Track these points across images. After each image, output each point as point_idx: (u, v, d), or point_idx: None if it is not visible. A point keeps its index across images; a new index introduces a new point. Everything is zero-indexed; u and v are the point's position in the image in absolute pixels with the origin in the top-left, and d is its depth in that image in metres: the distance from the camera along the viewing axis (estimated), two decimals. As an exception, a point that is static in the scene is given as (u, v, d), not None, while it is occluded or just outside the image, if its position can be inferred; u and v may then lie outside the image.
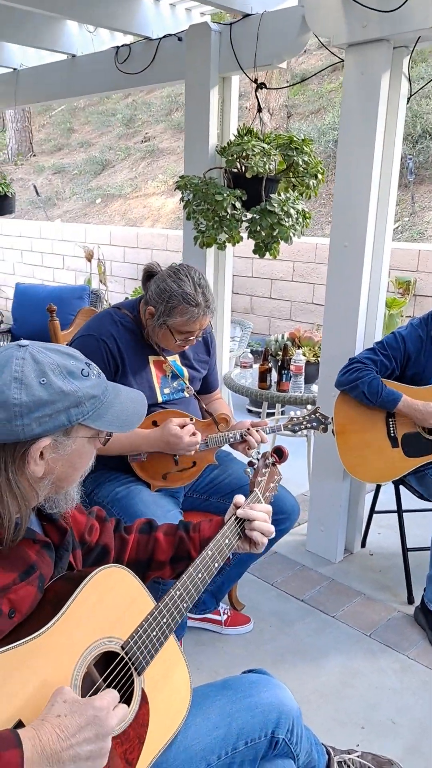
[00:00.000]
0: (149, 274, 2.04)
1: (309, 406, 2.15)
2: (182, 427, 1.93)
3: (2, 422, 0.97)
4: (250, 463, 1.42)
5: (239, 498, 1.32)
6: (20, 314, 4.95)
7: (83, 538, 1.28)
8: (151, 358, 2.08)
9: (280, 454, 1.46)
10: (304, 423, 2.11)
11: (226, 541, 1.26)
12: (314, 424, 2.12)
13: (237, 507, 1.32)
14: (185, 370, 2.16)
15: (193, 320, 1.93)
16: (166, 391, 2.10)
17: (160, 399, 2.07)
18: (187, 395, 2.15)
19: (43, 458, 1.02)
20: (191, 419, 2.01)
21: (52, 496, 1.10)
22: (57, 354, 1.04)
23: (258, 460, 1.42)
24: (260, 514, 1.29)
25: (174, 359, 2.14)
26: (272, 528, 1.31)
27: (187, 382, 2.15)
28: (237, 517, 1.29)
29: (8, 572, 1.01)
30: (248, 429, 2.08)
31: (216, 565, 1.23)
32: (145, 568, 1.35)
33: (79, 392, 1.02)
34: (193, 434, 1.95)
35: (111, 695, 0.93)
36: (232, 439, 2.08)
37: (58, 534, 1.17)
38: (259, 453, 1.45)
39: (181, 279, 1.92)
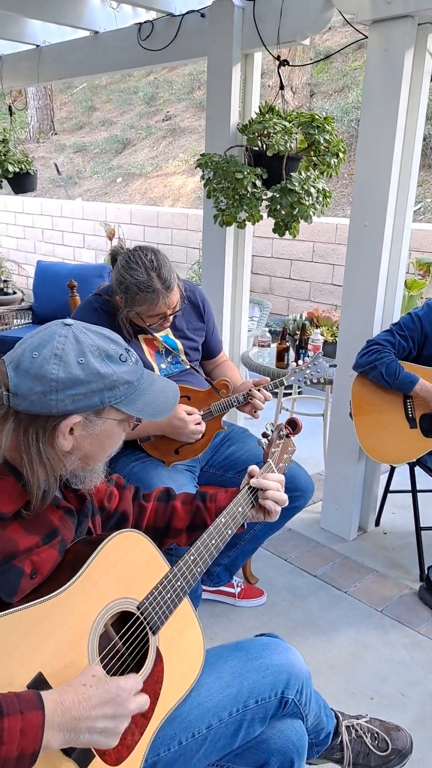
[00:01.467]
0: (114, 260, 2.01)
1: (311, 353, 2.10)
2: (189, 414, 1.96)
3: (38, 394, 1.01)
4: (264, 435, 1.45)
5: (253, 468, 1.36)
6: (41, 292, 5.00)
7: (102, 505, 1.33)
8: (141, 337, 2.08)
9: (293, 425, 1.47)
10: (308, 370, 2.08)
11: (239, 509, 1.30)
12: (319, 370, 2.08)
13: (251, 476, 1.35)
14: (179, 342, 2.15)
15: (155, 305, 1.91)
16: (163, 366, 2.10)
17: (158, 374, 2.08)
18: (186, 367, 2.15)
19: (72, 434, 1.06)
20: (200, 411, 2.01)
21: (79, 472, 1.14)
22: (99, 336, 1.08)
23: (272, 432, 1.45)
24: (273, 483, 1.33)
25: (165, 333, 2.12)
26: (285, 497, 1.34)
27: (182, 355, 2.14)
28: (250, 486, 1.33)
29: (32, 535, 1.06)
30: (251, 390, 2.07)
31: (229, 532, 1.27)
32: (163, 535, 1.39)
33: (114, 376, 1.05)
34: (198, 424, 1.97)
35: (135, 680, 0.98)
36: (235, 403, 2.08)
37: (78, 500, 1.21)
38: (273, 425, 1.47)
39: (132, 268, 1.88)
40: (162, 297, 1.90)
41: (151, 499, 1.41)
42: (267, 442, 1.44)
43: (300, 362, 2.10)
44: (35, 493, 1.04)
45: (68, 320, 1.09)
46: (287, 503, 1.35)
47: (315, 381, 2.15)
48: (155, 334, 2.09)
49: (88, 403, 1.04)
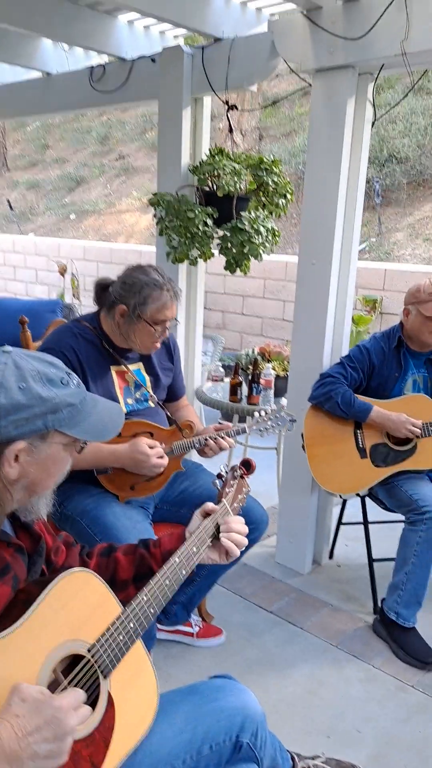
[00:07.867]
0: (104, 286, 2.09)
1: (274, 405, 2.17)
2: (151, 448, 1.95)
3: None
4: (219, 476, 1.45)
5: (210, 505, 1.35)
6: (-9, 328, 4.92)
7: (49, 558, 1.29)
8: (113, 369, 2.09)
9: (248, 466, 1.49)
10: (270, 422, 2.14)
11: (194, 548, 1.28)
12: (279, 423, 2.15)
13: (207, 513, 1.34)
14: (148, 379, 2.17)
15: (166, 307, 2.00)
16: (129, 401, 2.11)
17: (123, 410, 2.07)
18: (152, 405, 2.16)
19: (17, 461, 1.04)
20: (161, 444, 2.01)
21: (26, 501, 1.11)
22: (38, 361, 1.08)
23: (227, 472, 1.45)
24: (239, 526, 1.33)
25: (138, 368, 2.15)
26: (245, 540, 1.35)
27: (150, 390, 2.16)
28: (214, 525, 1.32)
29: None
30: (216, 439, 2.09)
31: (183, 572, 1.25)
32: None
33: (57, 399, 1.05)
34: (161, 457, 1.97)
35: (74, 695, 0.94)
36: (197, 445, 2.10)
37: (31, 541, 1.18)
38: (227, 466, 1.48)
39: (146, 270, 2.03)
40: (171, 298, 2.01)
41: (94, 555, 1.36)
42: (222, 482, 1.44)
43: (263, 413, 2.15)
44: None
45: (7, 347, 1.08)
46: (245, 545, 1.36)
47: (273, 432, 2.21)
48: (128, 366, 2.10)
49: (31, 427, 1.03)
